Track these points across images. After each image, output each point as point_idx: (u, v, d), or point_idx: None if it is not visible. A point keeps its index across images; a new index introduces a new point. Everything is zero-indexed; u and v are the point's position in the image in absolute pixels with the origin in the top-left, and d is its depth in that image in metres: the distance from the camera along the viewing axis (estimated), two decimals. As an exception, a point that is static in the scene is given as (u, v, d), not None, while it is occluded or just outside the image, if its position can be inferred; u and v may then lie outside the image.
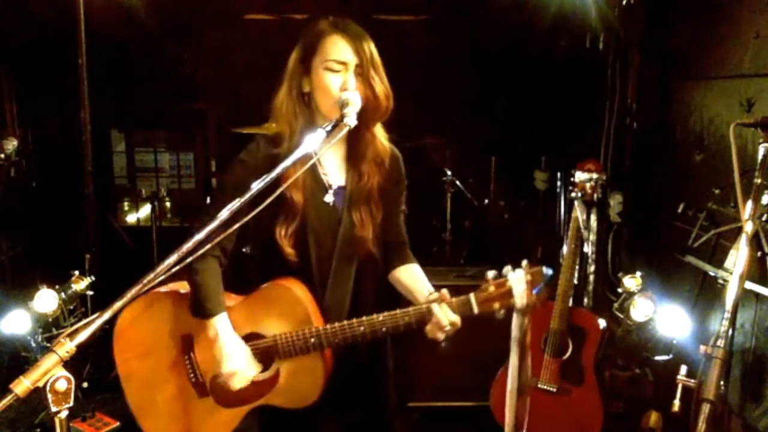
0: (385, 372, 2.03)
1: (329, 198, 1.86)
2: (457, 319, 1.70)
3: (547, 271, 1.68)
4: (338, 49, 1.74)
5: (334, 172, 1.88)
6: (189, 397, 1.87)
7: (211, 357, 1.80)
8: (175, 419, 1.87)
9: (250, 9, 4.76)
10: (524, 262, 1.69)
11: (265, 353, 1.81)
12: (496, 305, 1.68)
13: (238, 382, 1.80)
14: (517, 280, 1.67)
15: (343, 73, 1.74)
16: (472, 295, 1.70)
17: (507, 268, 1.69)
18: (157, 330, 1.86)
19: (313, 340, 1.75)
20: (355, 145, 1.85)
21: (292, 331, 1.77)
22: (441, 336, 1.71)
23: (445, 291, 1.73)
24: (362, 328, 1.72)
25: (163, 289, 1.87)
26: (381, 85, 1.76)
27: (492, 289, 1.69)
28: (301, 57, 1.81)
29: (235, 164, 1.85)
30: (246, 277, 1.95)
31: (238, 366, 1.78)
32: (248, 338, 1.82)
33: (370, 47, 1.76)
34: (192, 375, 1.86)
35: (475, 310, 1.70)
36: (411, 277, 1.93)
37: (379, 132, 1.87)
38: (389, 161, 1.90)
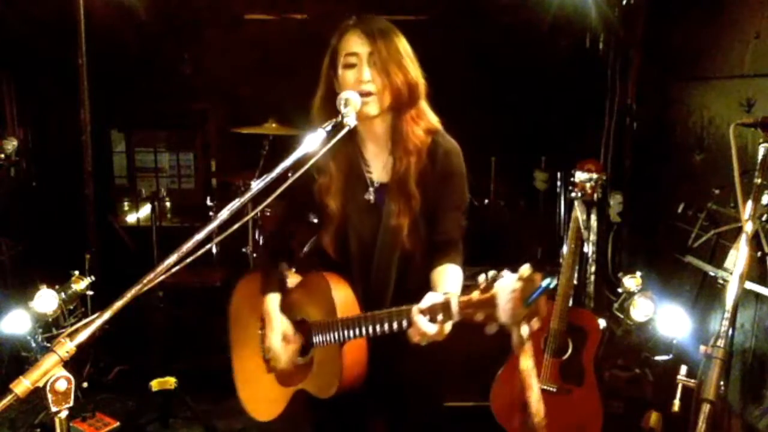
0: (434, 369, 1.96)
1: (370, 195, 1.87)
2: (429, 330, 1.51)
3: (547, 281, 1.33)
4: (351, 42, 1.76)
5: (380, 170, 1.89)
6: (262, 370, 2.03)
7: None
8: (255, 386, 2.05)
9: (250, 9, 4.76)
10: (523, 267, 1.37)
11: (308, 338, 1.90)
12: (479, 315, 1.42)
13: (275, 361, 1.94)
14: (503, 288, 1.37)
15: (359, 66, 1.74)
16: (454, 298, 1.47)
17: (503, 272, 1.41)
18: (250, 305, 2.03)
19: (331, 331, 1.79)
20: (392, 136, 1.85)
21: (322, 320, 1.83)
22: (422, 342, 1.55)
23: (426, 297, 1.55)
24: (361, 323, 1.71)
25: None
26: (400, 74, 1.74)
27: (475, 295, 1.43)
28: (330, 60, 1.82)
29: None
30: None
31: (274, 344, 1.91)
32: (301, 323, 1.94)
33: (390, 38, 1.75)
34: (263, 350, 2.00)
35: (455, 315, 1.47)
36: (439, 276, 1.81)
37: (426, 117, 1.85)
38: (436, 154, 1.83)
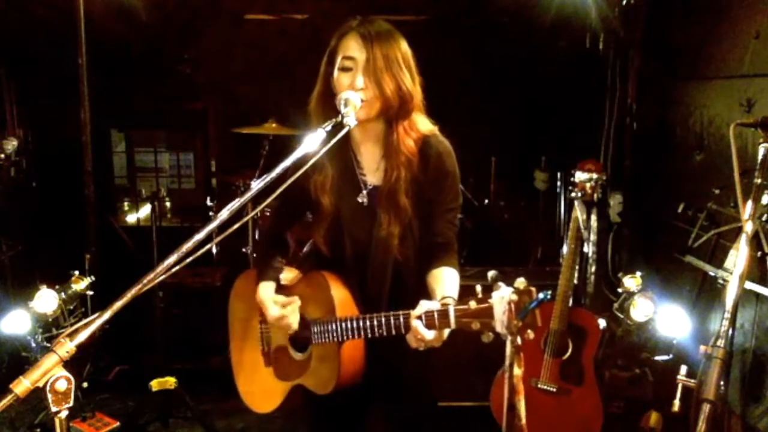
0: (428, 364, 1.99)
1: (362, 198, 1.87)
2: (428, 336, 1.56)
3: (542, 294, 1.41)
4: (349, 45, 1.75)
5: (373, 172, 1.89)
6: (260, 363, 2.08)
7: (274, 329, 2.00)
8: (253, 378, 2.10)
9: (250, 9, 4.76)
10: (518, 281, 1.46)
11: (306, 334, 1.91)
12: (475, 324, 1.50)
13: (284, 327, 1.91)
14: (500, 299, 1.45)
15: (354, 72, 1.73)
16: (451, 307, 1.54)
17: (498, 284, 1.49)
18: (249, 300, 2.02)
19: (331, 329, 1.80)
20: (385, 143, 1.85)
21: (322, 317, 1.84)
22: (420, 347, 1.62)
23: (422, 304, 1.60)
24: (361, 324, 1.73)
25: None
26: (393, 85, 1.73)
27: (473, 304, 1.50)
28: (328, 58, 1.82)
29: None
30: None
31: (274, 314, 1.88)
32: (300, 319, 1.95)
33: (389, 44, 1.74)
34: (262, 344, 2.06)
35: (452, 323, 1.53)
36: (435, 280, 1.81)
37: (416, 127, 1.84)
38: (429, 157, 1.83)
